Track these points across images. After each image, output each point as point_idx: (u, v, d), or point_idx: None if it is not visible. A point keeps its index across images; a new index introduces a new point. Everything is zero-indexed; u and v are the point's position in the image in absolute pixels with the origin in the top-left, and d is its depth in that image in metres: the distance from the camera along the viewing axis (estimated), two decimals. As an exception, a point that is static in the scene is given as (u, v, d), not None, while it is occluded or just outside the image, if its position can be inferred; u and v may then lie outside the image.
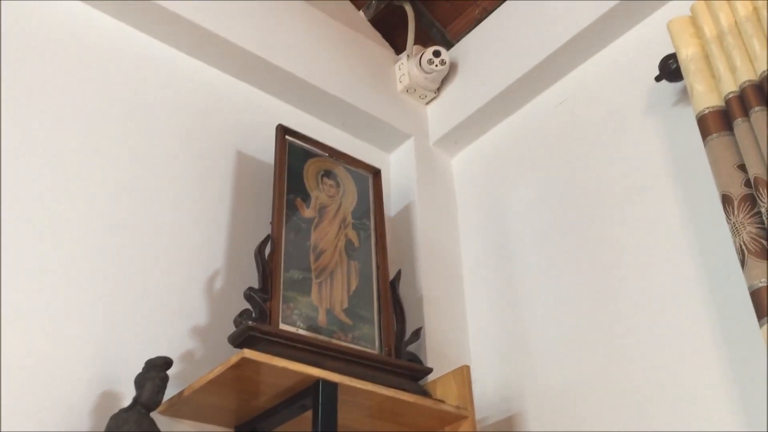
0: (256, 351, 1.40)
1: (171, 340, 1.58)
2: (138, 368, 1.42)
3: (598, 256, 1.80)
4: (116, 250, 1.60)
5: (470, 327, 2.03)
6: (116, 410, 1.37)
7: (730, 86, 1.49)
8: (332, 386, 1.45)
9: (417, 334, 1.79)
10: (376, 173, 2.00)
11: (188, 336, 1.61)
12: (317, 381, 1.44)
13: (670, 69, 1.69)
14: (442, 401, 1.64)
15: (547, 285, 1.89)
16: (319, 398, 1.43)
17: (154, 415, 1.41)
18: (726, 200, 1.43)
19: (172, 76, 1.91)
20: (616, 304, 1.72)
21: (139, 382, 1.38)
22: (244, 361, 1.37)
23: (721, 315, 1.51)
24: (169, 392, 1.47)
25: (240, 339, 1.50)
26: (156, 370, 1.39)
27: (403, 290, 1.91)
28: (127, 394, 1.43)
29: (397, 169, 2.27)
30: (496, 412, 1.86)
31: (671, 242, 1.65)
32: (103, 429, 1.34)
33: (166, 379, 1.39)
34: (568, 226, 1.90)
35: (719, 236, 1.54)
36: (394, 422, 1.64)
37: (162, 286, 1.63)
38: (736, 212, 1.41)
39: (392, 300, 1.81)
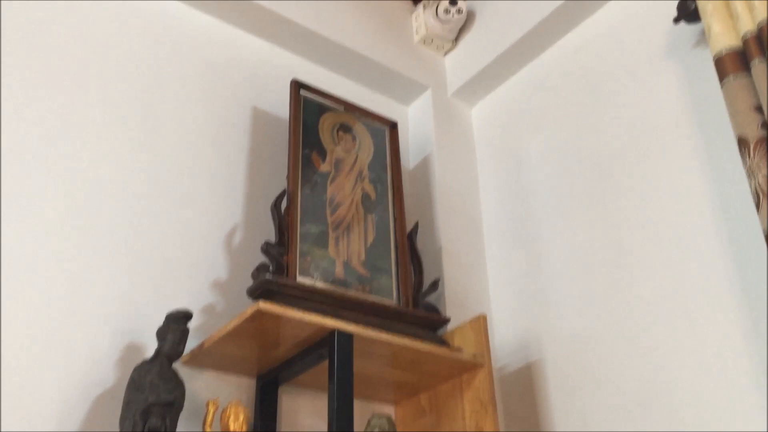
0: (271, 303, 1.43)
1: (192, 294, 1.62)
2: (159, 321, 1.47)
3: (616, 204, 1.79)
4: (135, 207, 1.64)
5: (489, 277, 2.04)
6: (140, 361, 1.42)
7: (747, 25, 1.45)
8: (347, 336, 1.48)
9: (435, 285, 1.81)
10: (393, 126, 2.00)
11: (209, 290, 1.66)
12: (332, 331, 1.47)
13: (688, 10, 1.64)
14: (459, 350, 1.66)
15: (566, 234, 1.88)
16: (334, 348, 1.46)
17: (177, 366, 1.46)
18: (742, 143, 1.41)
19: (186, 32, 1.92)
20: (632, 251, 1.71)
21: (161, 334, 1.42)
22: (260, 313, 1.41)
23: (737, 258, 1.49)
24: (192, 344, 1.52)
25: (258, 292, 1.53)
26: (177, 322, 1.43)
27: (421, 242, 1.92)
28: (149, 346, 1.48)
29: (415, 122, 2.26)
30: (514, 360, 1.88)
31: (688, 187, 1.63)
32: (127, 379, 1.39)
33: (186, 331, 1.43)
34: (587, 173, 1.89)
35: (736, 180, 1.52)
36: (412, 371, 1.67)
37: (181, 242, 1.67)
38: (752, 155, 1.38)
39: (410, 252, 1.82)
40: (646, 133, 1.77)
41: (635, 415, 1.58)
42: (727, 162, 1.55)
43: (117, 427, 1.34)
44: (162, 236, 1.65)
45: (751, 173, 1.37)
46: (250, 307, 1.41)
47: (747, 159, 1.39)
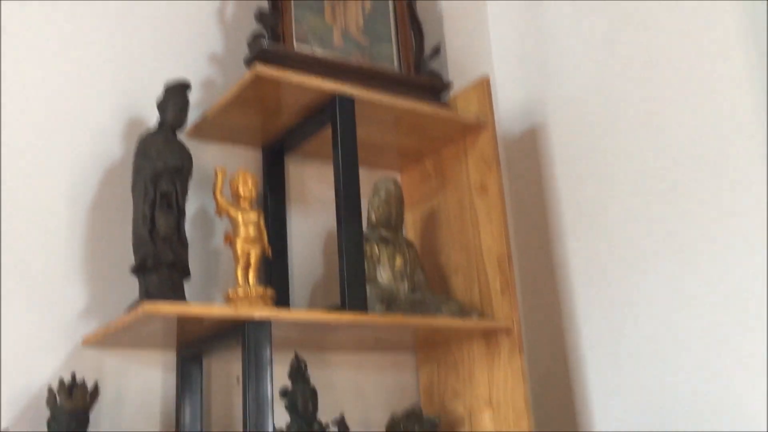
0: (268, 68, 1.40)
1: (189, 69, 1.60)
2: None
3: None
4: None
5: (492, 41, 1.99)
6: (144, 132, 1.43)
7: None
8: (349, 101, 1.47)
9: (437, 50, 1.76)
10: None
11: (206, 64, 1.63)
12: (333, 96, 1.46)
13: None
14: (461, 113, 1.66)
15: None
16: (336, 113, 1.46)
17: (183, 138, 1.47)
18: None
19: None
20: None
21: (162, 105, 1.41)
22: (258, 78, 1.39)
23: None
24: (195, 117, 1.52)
25: (255, 60, 1.50)
26: (175, 92, 1.41)
27: (421, 6, 1.85)
28: (152, 120, 1.49)
29: None
30: (518, 124, 1.88)
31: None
32: (133, 151, 1.40)
33: (186, 100, 1.42)
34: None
35: None
36: (416, 136, 1.68)
37: (172, 17, 1.62)
38: None
39: (409, 17, 1.76)
40: None
41: (638, 180, 1.59)
42: None
43: (130, 196, 1.37)
44: (153, 11, 1.59)
45: None
46: (249, 72, 1.39)
47: None
